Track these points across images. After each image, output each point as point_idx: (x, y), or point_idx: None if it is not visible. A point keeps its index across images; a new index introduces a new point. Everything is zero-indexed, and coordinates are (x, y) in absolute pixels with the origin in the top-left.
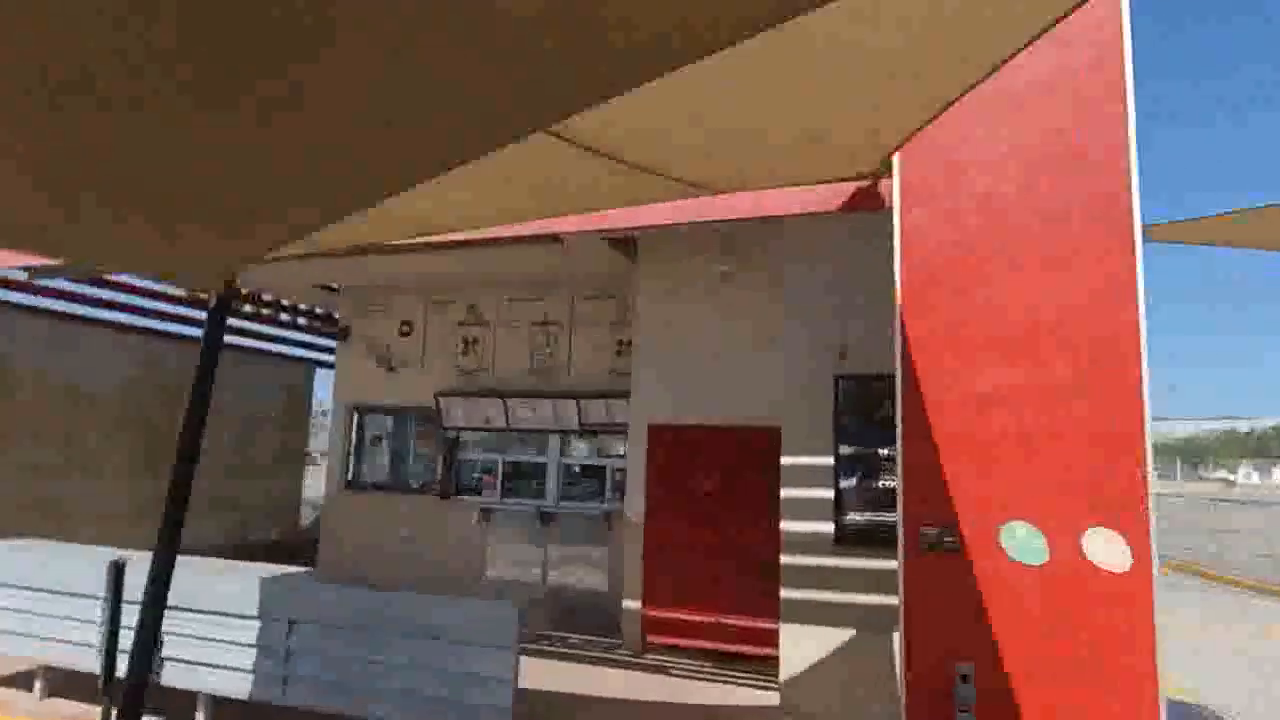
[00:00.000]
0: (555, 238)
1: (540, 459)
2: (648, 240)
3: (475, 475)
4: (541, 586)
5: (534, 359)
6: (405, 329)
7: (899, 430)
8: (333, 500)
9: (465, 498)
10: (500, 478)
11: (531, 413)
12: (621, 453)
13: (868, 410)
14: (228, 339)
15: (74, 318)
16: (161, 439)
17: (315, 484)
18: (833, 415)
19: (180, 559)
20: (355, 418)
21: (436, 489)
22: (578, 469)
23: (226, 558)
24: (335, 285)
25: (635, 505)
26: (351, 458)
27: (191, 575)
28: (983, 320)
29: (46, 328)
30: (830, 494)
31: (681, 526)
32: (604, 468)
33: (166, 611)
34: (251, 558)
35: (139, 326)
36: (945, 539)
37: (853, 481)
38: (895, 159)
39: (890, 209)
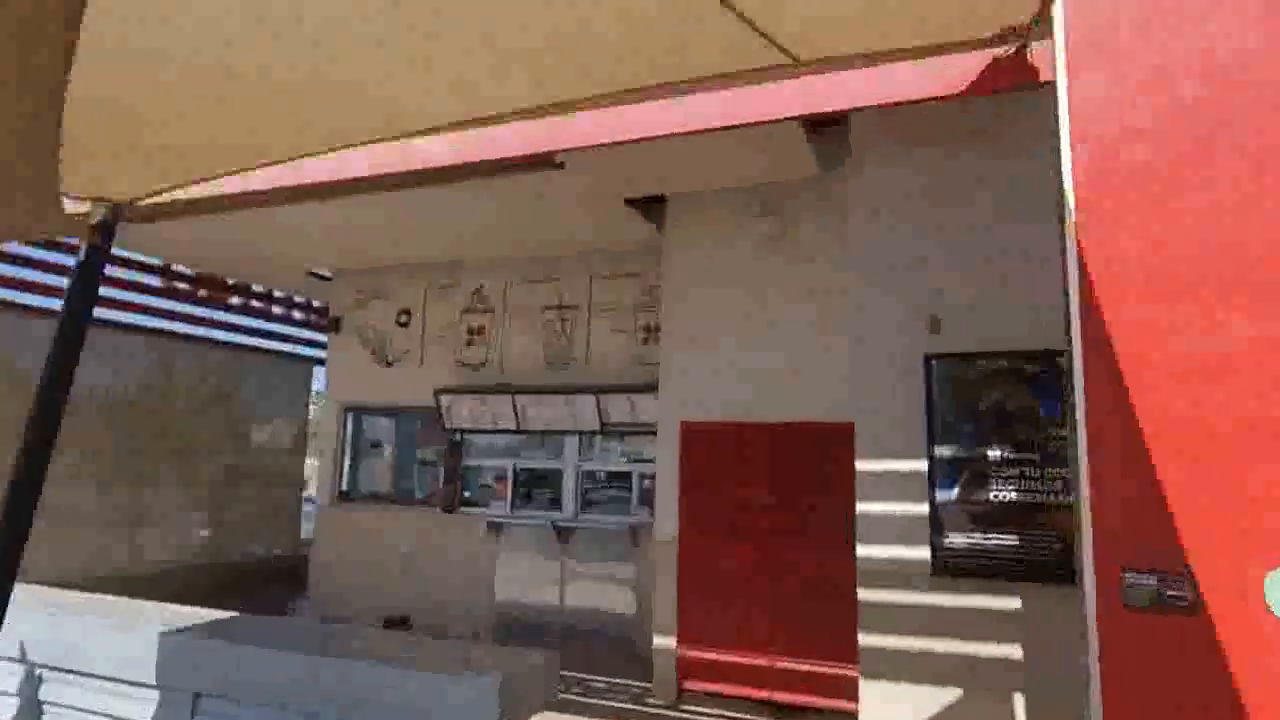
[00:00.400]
0: (553, 162)
1: (556, 464)
2: (677, 204)
3: (483, 484)
4: (559, 612)
5: (547, 349)
6: (403, 318)
7: (1078, 419)
8: (324, 514)
9: (471, 510)
10: (511, 487)
11: (545, 411)
12: (650, 457)
13: (971, 397)
14: (216, 334)
15: None
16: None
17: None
18: (924, 406)
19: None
20: (349, 420)
21: (439, 500)
22: (600, 476)
23: (211, 579)
24: (328, 273)
25: (666, 520)
26: (346, 465)
27: (79, 626)
28: (1210, 239)
29: None
30: (924, 509)
31: (724, 547)
32: (629, 474)
33: (45, 675)
34: (238, 581)
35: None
36: (1170, 594)
37: (953, 492)
38: (1058, 5)
39: (1048, 84)
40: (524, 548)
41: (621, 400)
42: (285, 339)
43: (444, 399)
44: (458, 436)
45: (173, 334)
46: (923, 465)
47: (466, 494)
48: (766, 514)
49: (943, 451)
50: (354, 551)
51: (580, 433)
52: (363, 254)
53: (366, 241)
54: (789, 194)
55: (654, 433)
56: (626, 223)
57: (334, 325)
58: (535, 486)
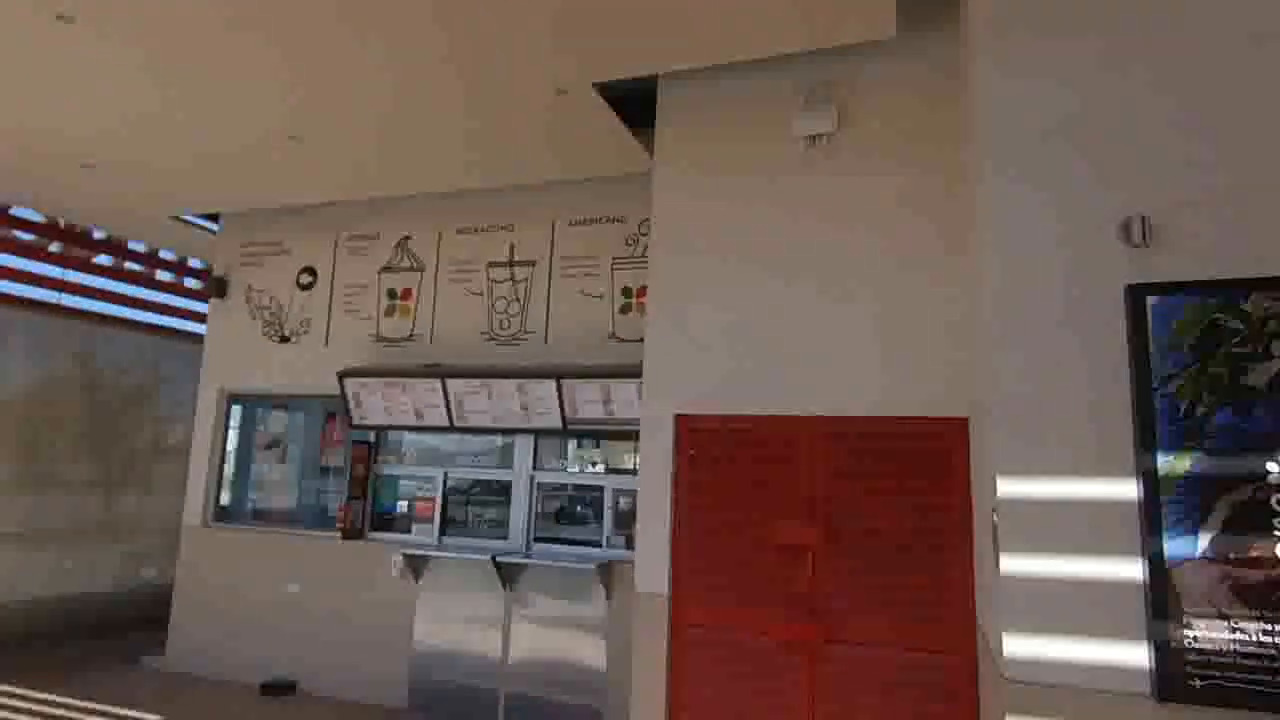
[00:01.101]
0: None
1: (502, 475)
2: (675, 92)
3: (402, 501)
4: (500, 675)
5: (494, 319)
6: (306, 279)
7: None
8: (193, 537)
9: (384, 537)
10: (439, 505)
11: (488, 402)
12: (631, 466)
13: (1232, 365)
14: (89, 305)
15: None
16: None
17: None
18: (1129, 379)
19: None
20: (233, 412)
21: (340, 523)
22: (562, 492)
23: (58, 620)
24: (209, 223)
25: (652, 564)
26: (227, 473)
27: None
28: None
29: None
30: (1135, 571)
31: (745, 618)
32: (601, 490)
33: None
34: (94, 622)
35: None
36: None
37: (1199, 541)
38: None
39: None
40: (454, 589)
41: (592, 388)
42: (169, 310)
43: (351, 385)
44: (370, 436)
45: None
46: (1129, 489)
47: (384, 512)
48: (818, 566)
49: (1173, 463)
50: (229, 589)
51: (536, 432)
52: (249, 188)
53: (250, 163)
54: (848, 70)
55: (636, 433)
56: (602, 138)
57: (216, 288)
58: (474, 506)
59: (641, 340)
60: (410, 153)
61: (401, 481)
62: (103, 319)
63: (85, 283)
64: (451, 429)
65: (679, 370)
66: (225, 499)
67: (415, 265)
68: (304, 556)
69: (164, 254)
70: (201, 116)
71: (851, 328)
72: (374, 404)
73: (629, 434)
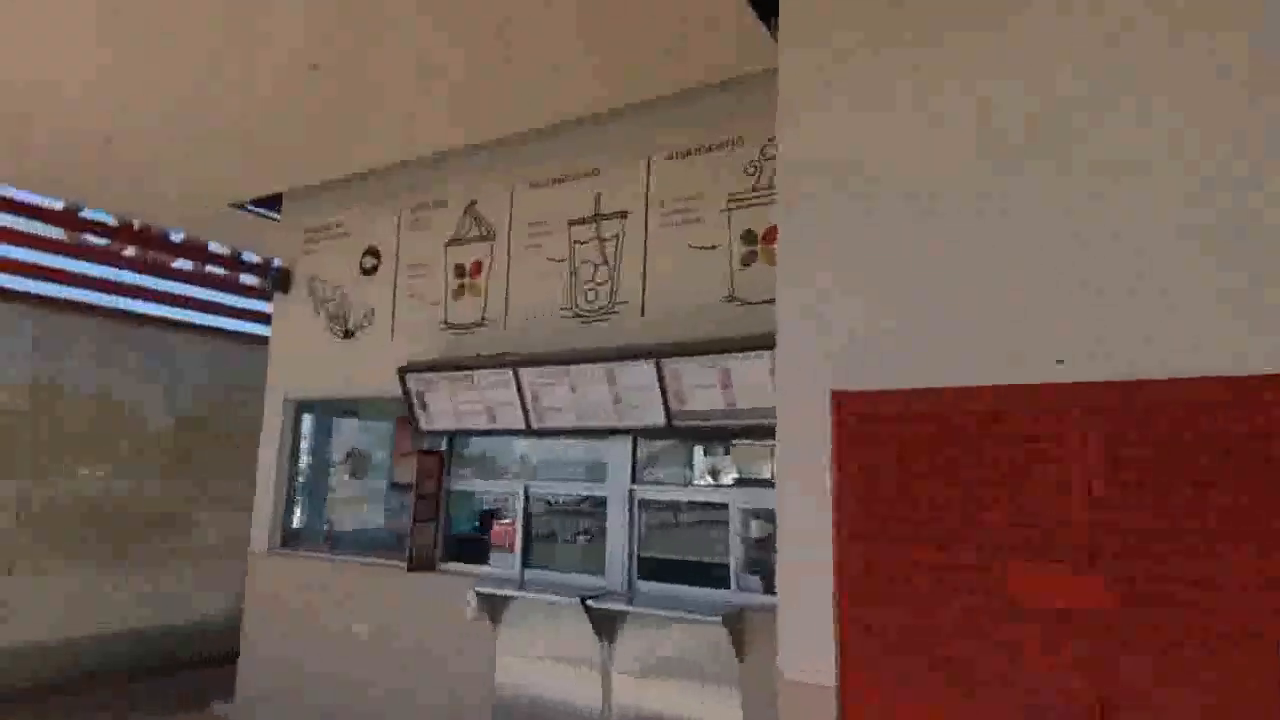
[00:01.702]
0: None
1: (594, 489)
2: None
3: (474, 525)
4: None
5: (577, 288)
6: (369, 262)
7: None
8: (260, 566)
9: (458, 567)
10: (520, 530)
11: (569, 393)
12: (766, 475)
13: None
14: (146, 309)
15: None
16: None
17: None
18: None
19: None
20: (300, 421)
21: (407, 551)
22: (674, 513)
23: (118, 659)
24: (271, 210)
25: (803, 633)
26: (295, 490)
27: None
28: None
29: None
30: None
31: (966, 708)
32: (725, 511)
33: None
34: (160, 661)
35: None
36: None
37: None
38: None
39: None
40: (538, 639)
41: (705, 369)
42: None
43: (414, 382)
44: (440, 444)
45: (73, 304)
46: None
47: (460, 537)
48: (1103, 647)
49: None
50: (297, 625)
51: (633, 432)
52: (306, 156)
53: (306, 128)
54: None
55: (770, 430)
56: (707, 21)
57: (279, 282)
58: (564, 530)
59: (771, 301)
60: (477, 82)
61: (478, 499)
62: (173, 324)
63: (152, 285)
64: (529, 432)
65: (834, 321)
66: (295, 521)
67: (484, 233)
68: (374, 590)
69: (215, 248)
70: (247, 67)
71: (1154, 230)
72: (441, 404)
73: (760, 430)
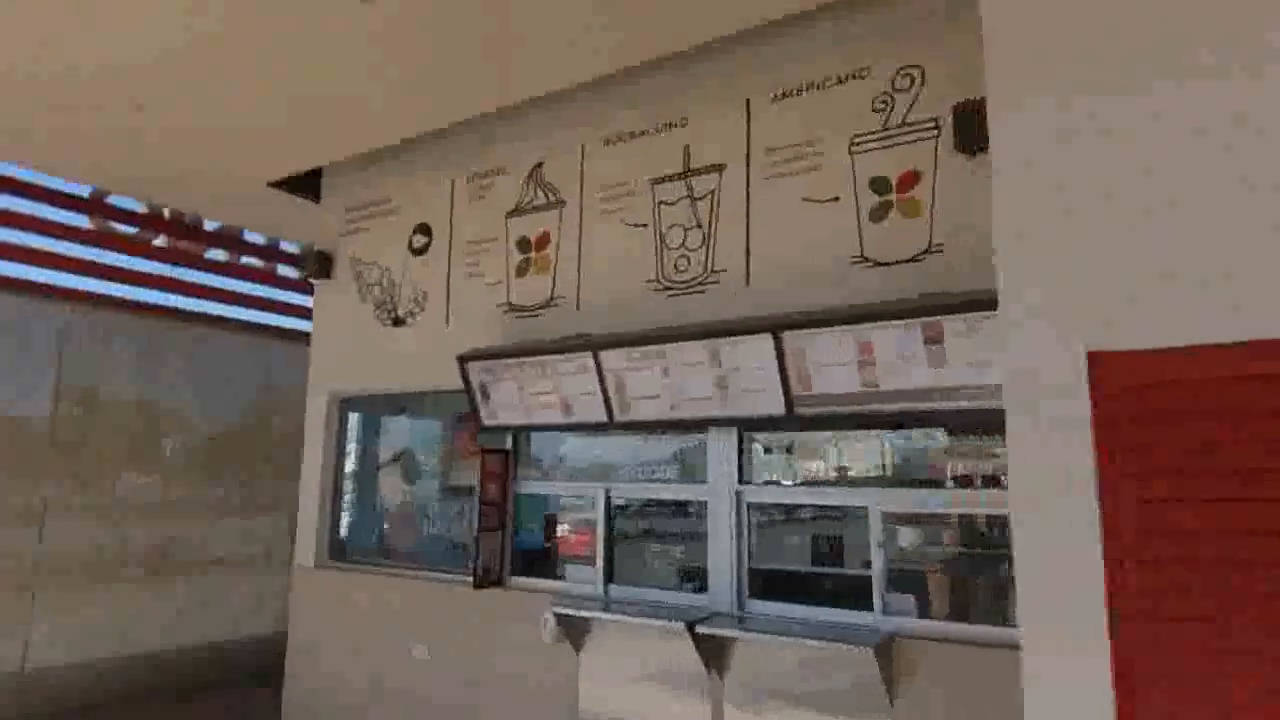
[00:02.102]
0: None
1: (692, 493)
2: None
3: (541, 534)
4: None
5: (665, 256)
6: (420, 240)
7: None
8: (306, 581)
9: (526, 584)
10: (603, 538)
11: (662, 377)
12: (921, 473)
13: None
14: (180, 303)
15: None
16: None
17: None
18: None
19: None
20: (344, 420)
21: (472, 564)
22: (794, 520)
23: (148, 678)
24: (308, 197)
25: (1052, 695)
26: (343, 498)
27: None
28: None
29: None
30: None
31: None
32: (862, 518)
33: None
34: (198, 681)
35: None
36: None
37: None
38: None
39: None
40: (629, 665)
41: (837, 342)
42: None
43: (476, 372)
44: (506, 441)
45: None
46: None
47: (529, 549)
48: None
49: None
50: (347, 646)
51: (742, 423)
52: (347, 127)
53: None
54: None
55: (916, 418)
56: None
57: (320, 266)
58: (654, 538)
59: (913, 260)
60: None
61: (550, 504)
62: (211, 319)
63: (188, 278)
64: (612, 425)
65: (1087, 255)
66: (343, 531)
67: (551, 200)
68: (434, 608)
69: (250, 238)
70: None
71: None
72: (508, 397)
73: (908, 417)
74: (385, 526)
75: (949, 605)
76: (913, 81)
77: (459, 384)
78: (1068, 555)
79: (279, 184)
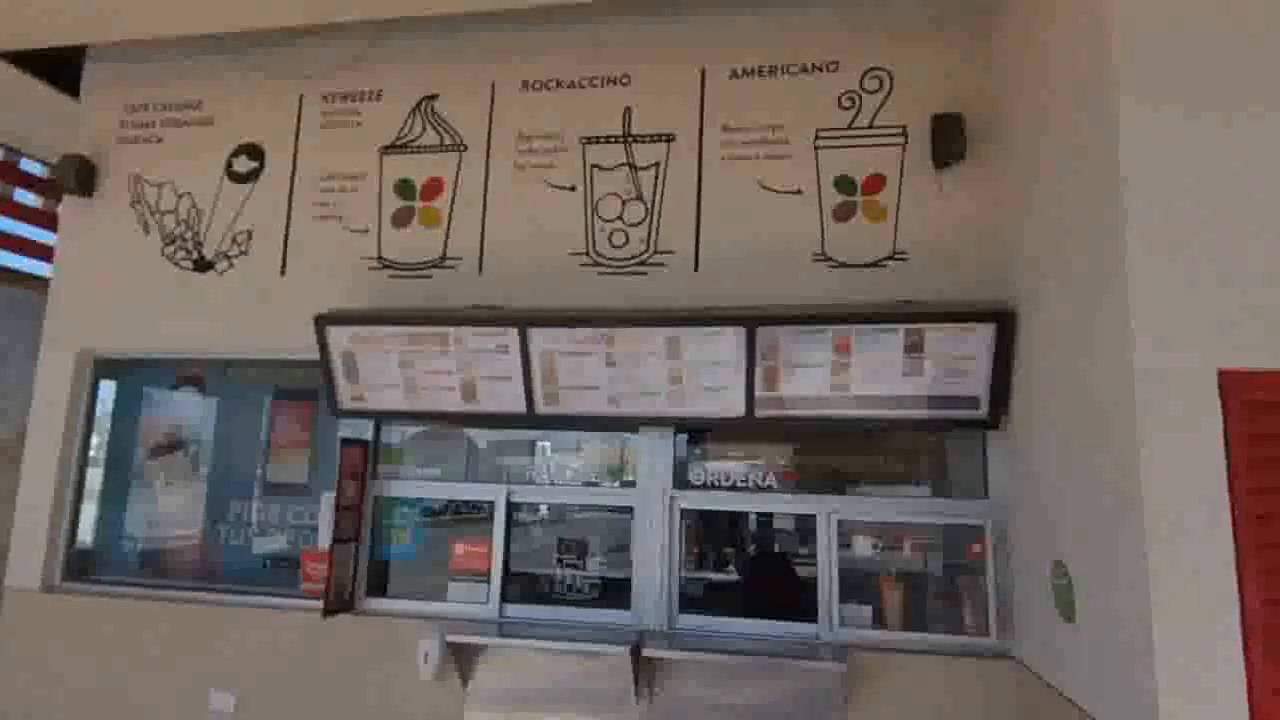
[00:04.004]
0: None
1: (611, 496)
2: None
3: (415, 543)
4: None
5: (597, 228)
6: (246, 164)
7: None
8: (29, 610)
9: (392, 605)
10: (500, 550)
11: (604, 367)
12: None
13: None
14: None
15: None
16: None
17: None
18: None
19: None
20: (95, 390)
21: (324, 583)
22: (725, 527)
23: None
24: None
25: None
26: (85, 495)
27: None
28: None
29: None
30: None
31: None
32: (810, 525)
33: None
34: None
35: None
36: None
37: None
38: None
39: None
40: (535, 698)
41: (813, 345)
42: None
43: (339, 339)
44: (366, 432)
45: None
46: None
47: (388, 561)
48: None
49: None
50: (103, 700)
51: (694, 423)
52: None
53: None
54: None
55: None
56: None
57: (77, 178)
58: (562, 550)
59: (878, 264)
60: None
61: (421, 510)
62: None
63: None
64: (531, 418)
65: (1220, 272)
66: (88, 539)
67: (449, 142)
68: (247, 641)
69: None
70: None
71: None
72: (383, 374)
73: (875, 424)
74: (155, 535)
75: (901, 615)
76: (881, 84)
77: (298, 351)
78: (1203, 574)
79: (12, 58)
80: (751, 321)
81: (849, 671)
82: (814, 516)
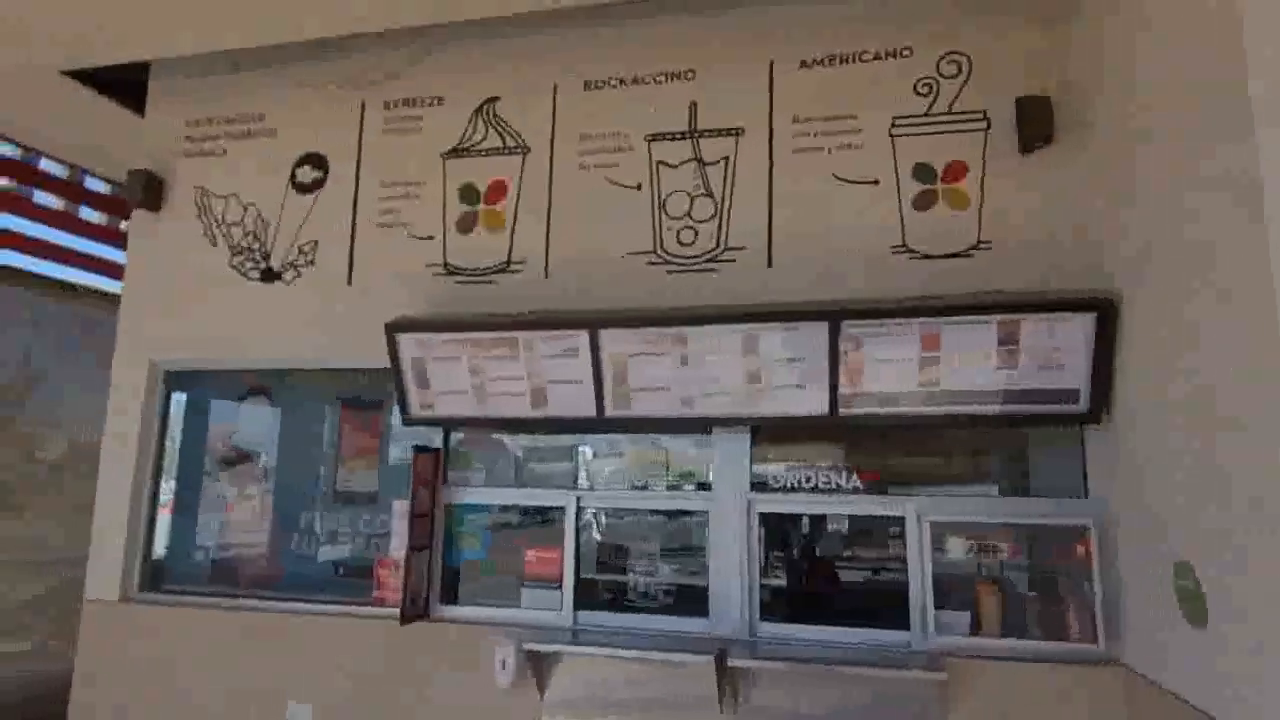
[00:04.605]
0: None
1: (685, 500)
2: None
3: (480, 552)
4: None
5: (665, 226)
6: (310, 174)
7: None
8: (107, 622)
9: (465, 612)
10: (572, 557)
11: (678, 367)
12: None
13: None
14: None
15: None
16: None
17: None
18: None
19: None
20: (168, 402)
21: (401, 592)
22: (807, 531)
23: None
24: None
25: None
26: (155, 507)
27: None
28: None
29: None
30: None
31: None
32: (899, 528)
33: None
34: None
35: None
36: None
37: None
38: None
39: None
40: (614, 709)
41: (899, 339)
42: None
43: (409, 346)
44: (434, 439)
45: None
46: None
47: (456, 576)
48: None
49: None
50: (182, 710)
51: (773, 423)
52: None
53: None
54: None
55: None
56: None
57: (146, 194)
58: (635, 557)
59: (962, 255)
60: None
61: (492, 517)
62: None
63: None
64: (601, 422)
65: None
66: (160, 549)
67: (511, 145)
68: (322, 651)
69: (44, 165)
70: None
71: None
72: (453, 381)
73: (966, 422)
74: (225, 545)
75: (1000, 621)
76: (959, 68)
77: (365, 360)
78: None
79: (79, 77)
80: (835, 316)
81: (931, 680)
82: (900, 518)
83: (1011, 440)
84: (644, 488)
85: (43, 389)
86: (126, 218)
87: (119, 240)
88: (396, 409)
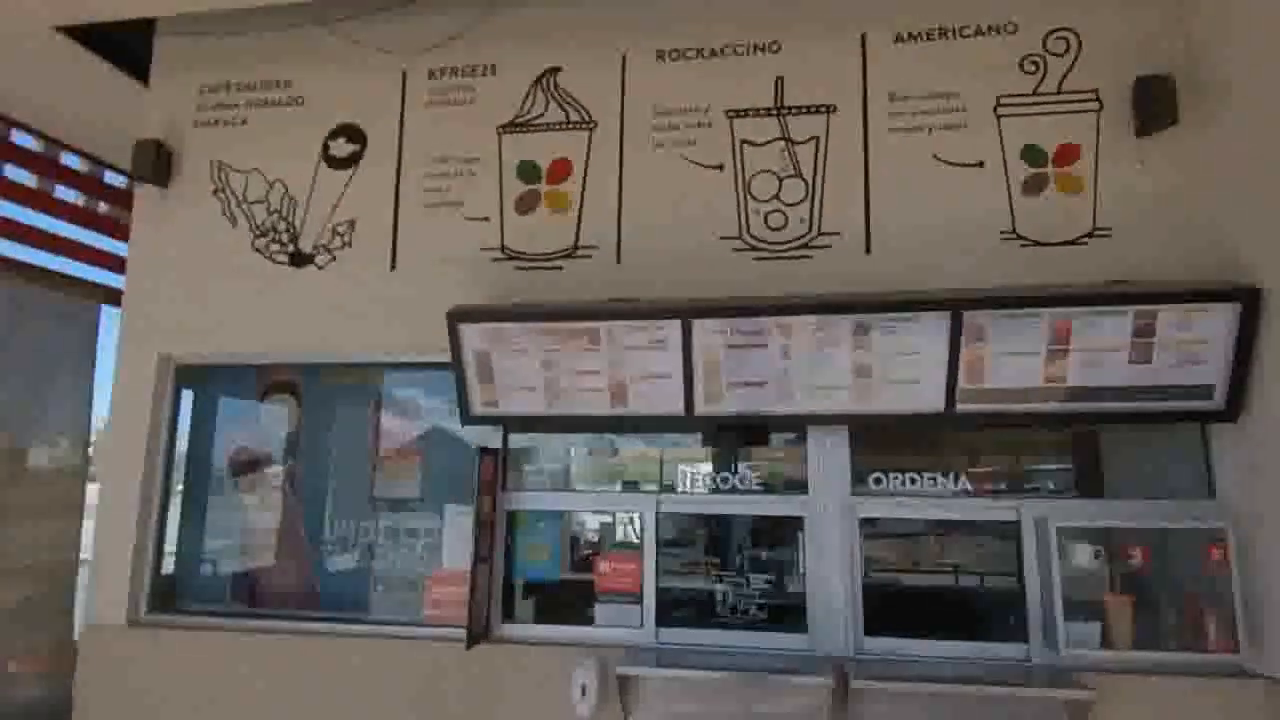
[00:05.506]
0: None
1: (776, 506)
2: None
3: (547, 564)
4: None
5: (751, 209)
6: (345, 148)
7: None
8: (110, 648)
9: (533, 631)
10: (652, 568)
11: (778, 359)
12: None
13: None
14: None
15: None
16: None
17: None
18: None
19: None
20: (183, 400)
21: (467, 610)
22: (906, 537)
23: None
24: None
25: None
26: (174, 517)
27: None
28: None
29: None
30: None
31: None
32: (1014, 530)
33: None
34: None
35: None
36: None
37: None
38: None
39: None
40: None
41: (1023, 330)
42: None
43: (475, 338)
44: (493, 439)
45: None
46: None
47: (527, 583)
48: None
49: None
50: None
51: (884, 421)
52: None
53: None
54: None
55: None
56: None
57: (151, 166)
58: (725, 566)
59: (1077, 241)
60: None
61: (558, 524)
62: None
63: None
64: (690, 420)
65: None
66: (169, 565)
67: (575, 120)
68: (363, 677)
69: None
70: None
71: None
72: (518, 375)
73: (1098, 419)
74: (246, 559)
75: (1132, 634)
76: (1068, 45)
77: (412, 353)
78: None
79: (74, 34)
80: (957, 305)
81: (1080, 699)
82: (1013, 522)
83: (1123, 440)
84: (730, 491)
85: None
86: (103, 198)
87: (96, 223)
88: (431, 406)
